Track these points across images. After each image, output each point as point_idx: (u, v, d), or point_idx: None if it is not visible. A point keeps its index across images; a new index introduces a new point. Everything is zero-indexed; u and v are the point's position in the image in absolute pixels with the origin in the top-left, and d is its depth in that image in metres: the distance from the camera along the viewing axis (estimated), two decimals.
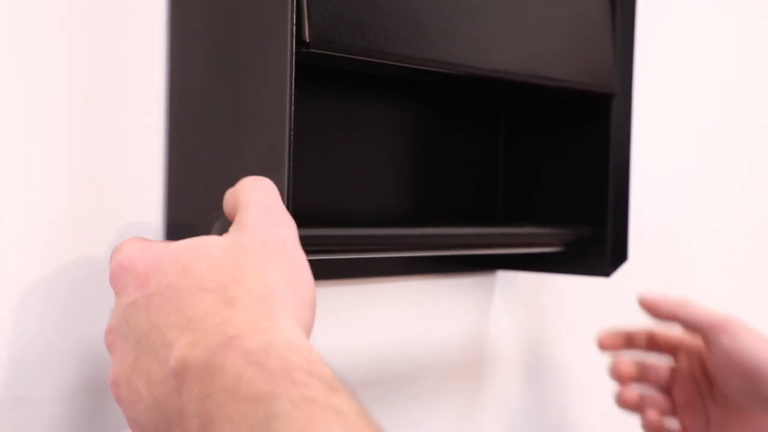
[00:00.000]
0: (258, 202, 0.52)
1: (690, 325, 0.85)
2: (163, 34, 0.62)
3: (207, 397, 0.45)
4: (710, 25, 1.15)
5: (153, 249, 0.51)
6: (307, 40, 0.57)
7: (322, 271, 0.53)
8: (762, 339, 0.84)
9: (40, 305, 0.57)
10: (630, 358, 0.88)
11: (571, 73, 0.76)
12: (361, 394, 0.45)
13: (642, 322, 0.88)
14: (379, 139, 0.76)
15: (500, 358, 0.90)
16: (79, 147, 0.59)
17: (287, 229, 0.52)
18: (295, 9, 0.56)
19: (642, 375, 0.89)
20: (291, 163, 0.56)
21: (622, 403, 0.87)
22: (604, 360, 0.91)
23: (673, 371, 0.89)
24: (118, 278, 0.51)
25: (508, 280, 0.90)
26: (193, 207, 0.61)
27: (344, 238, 0.65)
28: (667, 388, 0.89)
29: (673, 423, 0.89)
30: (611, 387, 0.95)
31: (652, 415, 0.88)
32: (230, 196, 0.54)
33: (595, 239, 0.81)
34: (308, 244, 0.53)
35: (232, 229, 0.52)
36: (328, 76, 0.71)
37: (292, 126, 0.56)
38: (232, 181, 0.55)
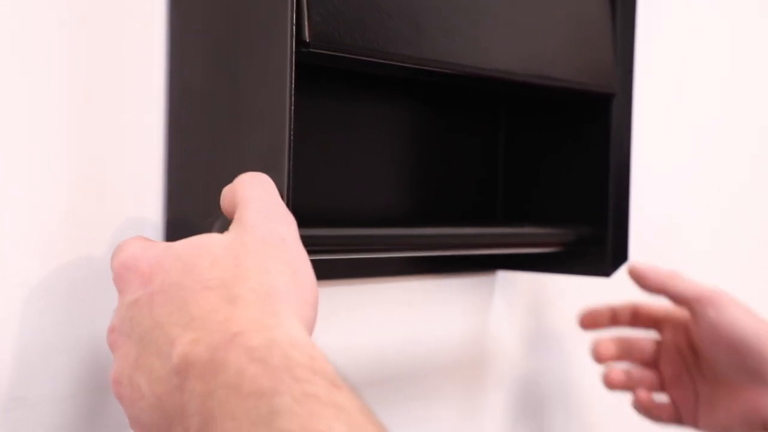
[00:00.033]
0: (257, 199, 0.52)
1: (677, 298, 0.84)
2: (163, 33, 0.62)
3: (209, 394, 0.45)
4: (710, 25, 1.15)
5: (156, 248, 0.51)
6: (307, 40, 0.57)
7: (322, 271, 0.53)
8: (749, 313, 0.84)
9: (40, 305, 0.57)
10: (611, 337, 0.88)
11: (571, 73, 0.76)
12: (361, 394, 0.45)
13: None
14: (379, 139, 0.76)
15: (500, 358, 0.90)
16: (79, 147, 0.58)
17: (287, 226, 0.52)
18: (295, 9, 0.56)
19: (626, 353, 0.88)
20: (291, 163, 0.56)
21: (609, 384, 0.87)
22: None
23: (659, 345, 0.88)
24: (122, 277, 0.51)
25: (508, 280, 0.90)
26: (193, 207, 0.61)
27: (344, 238, 0.65)
28: (653, 363, 0.89)
29: (662, 398, 0.89)
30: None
31: (643, 394, 0.88)
32: (228, 193, 0.54)
33: (595, 239, 0.81)
34: (308, 244, 0.53)
35: (232, 227, 0.52)
36: (328, 76, 0.71)
37: (292, 126, 0.56)
38: (231, 181, 0.55)
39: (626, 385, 0.87)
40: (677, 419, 0.88)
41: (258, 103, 0.57)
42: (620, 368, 0.87)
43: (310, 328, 0.50)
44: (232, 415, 0.43)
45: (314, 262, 0.52)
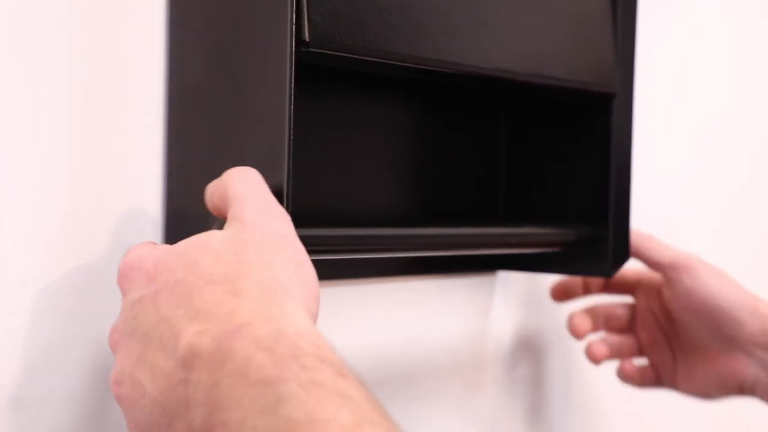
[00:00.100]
0: (252, 196, 0.53)
1: (651, 263, 0.84)
2: (163, 33, 0.62)
3: (215, 384, 0.45)
4: (711, 25, 1.15)
5: (161, 249, 0.51)
6: (307, 40, 0.57)
7: (322, 271, 0.53)
8: (723, 279, 0.84)
9: (40, 305, 0.57)
10: (585, 308, 0.87)
11: (572, 73, 0.76)
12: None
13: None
14: (379, 139, 0.76)
15: (500, 358, 0.90)
16: (79, 147, 0.58)
17: (286, 222, 0.52)
18: (294, 8, 0.56)
19: (603, 322, 0.88)
20: (291, 162, 0.56)
21: (593, 358, 0.86)
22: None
23: (634, 310, 0.88)
24: (126, 276, 0.51)
25: (508, 280, 0.90)
26: (193, 207, 0.61)
27: (344, 238, 0.65)
28: (630, 329, 0.88)
29: (642, 362, 0.89)
30: (612, 387, 0.95)
31: (626, 363, 0.87)
32: (216, 189, 0.54)
33: (596, 239, 0.81)
34: (308, 244, 0.53)
35: (228, 225, 0.52)
36: (328, 76, 0.71)
37: (292, 126, 0.56)
38: None
39: (609, 356, 0.87)
40: (658, 382, 0.88)
41: (258, 103, 0.57)
42: (600, 340, 0.87)
43: (314, 322, 0.50)
44: (239, 402, 0.43)
45: (314, 263, 0.52)
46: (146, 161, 0.62)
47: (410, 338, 0.81)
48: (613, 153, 0.80)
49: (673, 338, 0.87)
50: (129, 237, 0.61)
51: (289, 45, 0.55)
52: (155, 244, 0.53)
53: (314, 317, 0.50)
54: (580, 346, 0.95)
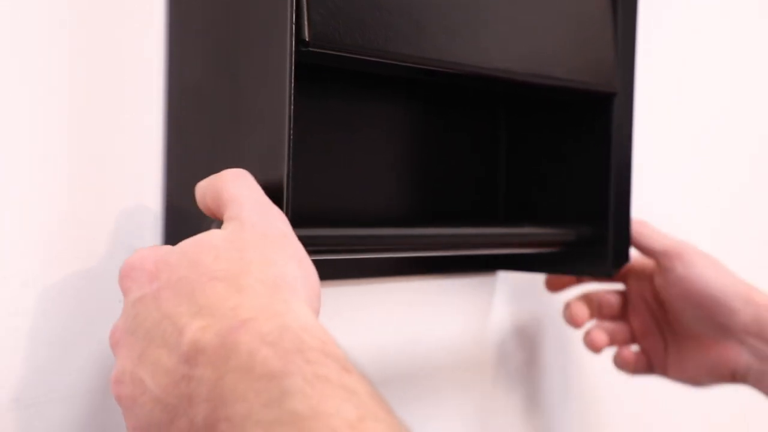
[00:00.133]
0: (248, 197, 0.53)
1: (644, 249, 0.84)
2: (163, 33, 0.62)
3: (219, 379, 0.45)
4: (711, 25, 1.15)
5: (162, 249, 0.52)
6: (307, 39, 0.57)
7: (322, 271, 0.53)
8: (717, 267, 0.83)
9: (40, 305, 0.57)
10: (579, 296, 0.87)
11: (572, 73, 0.76)
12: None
13: None
14: (379, 139, 0.76)
15: (501, 358, 0.90)
16: (79, 147, 0.58)
17: (284, 222, 0.53)
18: (294, 8, 0.56)
19: (596, 310, 0.87)
20: (290, 162, 0.56)
21: (594, 347, 0.86)
22: (606, 361, 0.91)
23: (625, 297, 0.88)
24: (128, 276, 0.51)
25: (508, 280, 0.90)
26: (193, 207, 0.61)
27: (344, 238, 0.65)
28: (622, 316, 0.88)
29: (635, 349, 0.89)
30: (612, 387, 0.95)
31: (626, 351, 0.87)
32: (209, 191, 0.54)
33: (596, 239, 0.81)
34: (308, 244, 0.53)
35: (227, 225, 0.52)
36: (328, 77, 0.71)
37: (292, 125, 0.56)
38: None
39: (608, 344, 0.87)
40: (649, 369, 0.88)
41: (258, 103, 0.57)
42: (599, 328, 0.87)
43: (316, 318, 0.50)
44: (244, 396, 0.43)
45: (315, 263, 0.52)
46: (146, 161, 0.62)
47: (410, 338, 0.81)
48: (614, 153, 0.80)
49: (665, 325, 0.87)
50: (129, 237, 0.61)
51: (289, 45, 0.55)
52: (158, 246, 0.53)
53: (316, 314, 0.50)
54: (580, 346, 0.95)
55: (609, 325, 0.87)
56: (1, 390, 0.55)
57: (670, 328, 0.87)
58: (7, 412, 0.55)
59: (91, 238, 0.59)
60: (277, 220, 0.52)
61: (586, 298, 0.87)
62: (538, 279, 0.92)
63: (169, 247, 0.52)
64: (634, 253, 0.86)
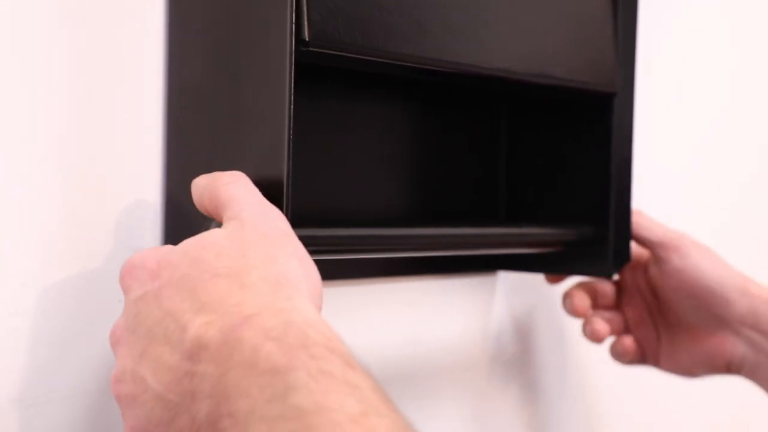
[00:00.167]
0: (247, 198, 0.53)
1: (640, 240, 0.83)
2: (162, 33, 0.62)
3: (223, 375, 0.45)
4: (711, 25, 1.15)
5: (164, 248, 0.52)
6: (307, 39, 0.57)
7: (322, 272, 0.53)
8: (713, 259, 0.83)
9: (39, 305, 0.57)
10: (576, 285, 0.86)
11: (572, 72, 0.76)
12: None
13: None
14: (379, 139, 0.76)
15: (501, 358, 0.90)
16: (79, 147, 0.58)
17: (284, 222, 0.53)
18: (294, 7, 0.56)
19: (592, 300, 0.87)
20: (290, 162, 0.56)
21: (596, 338, 0.85)
22: (606, 361, 0.91)
23: (620, 287, 0.88)
24: (129, 274, 0.51)
25: (509, 280, 0.90)
26: (193, 208, 0.61)
27: (344, 238, 0.65)
28: (617, 306, 0.88)
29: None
30: (612, 387, 0.95)
31: (627, 340, 0.86)
32: (206, 193, 0.54)
33: (596, 239, 0.81)
34: (308, 244, 0.53)
35: (227, 225, 0.52)
36: (328, 77, 0.71)
37: (292, 125, 0.56)
38: None
39: (610, 334, 0.87)
40: (641, 359, 0.88)
41: (257, 103, 0.57)
42: (599, 318, 0.86)
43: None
44: (247, 392, 0.43)
45: (314, 263, 0.52)
46: (146, 161, 0.62)
47: (410, 338, 0.81)
48: (614, 153, 0.80)
49: (658, 316, 0.87)
50: (129, 237, 0.61)
51: (289, 44, 0.55)
52: (159, 246, 0.53)
53: (319, 311, 0.50)
54: (579, 345, 0.95)
55: (606, 314, 0.87)
56: (1, 390, 0.55)
57: (663, 319, 0.87)
58: (7, 412, 0.55)
59: (91, 238, 0.59)
60: (277, 220, 0.52)
61: (584, 288, 0.86)
62: (539, 279, 0.92)
63: (170, 246, 0.52)
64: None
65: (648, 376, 0.95)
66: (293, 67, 0.55)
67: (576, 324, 0.92)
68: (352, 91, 0.74)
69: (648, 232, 0.83)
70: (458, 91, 0.81)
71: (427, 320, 0.83)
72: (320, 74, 0.68)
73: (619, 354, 0.87)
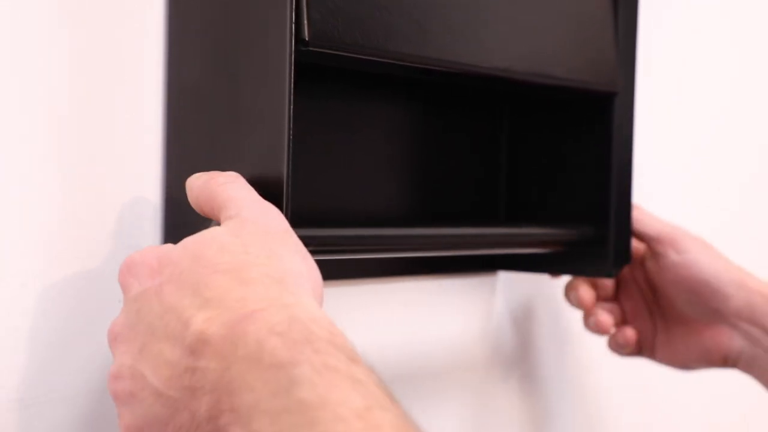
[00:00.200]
0: (246, 198, 0.53)
1: (637, 234, 0.84)
2: (162, 33, 0.62)
3: (226, 369, 0.45)
4: (711, 25, 1.15)
5: (164, 246, 0.51)
6: (307, 39, 0.57)
7: (322, 272, 0.53)
8: (710, 252, 0.83)
9: (39, 305, 0.57)
10: (581, 279, 0.86)
11: (573, 72, 0.76)
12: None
13: None
14: (380, 139, 0.76)
15: (501, 358, 0.90)
16: (79, 147, 0.58)
17: (283, 220, 0.53)
18: (294, 7, 0.56)
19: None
20: (290, 162, 0.56)
21: (602, 329, 0.85)
22: (606, 361, 0.91)
23: (617, 280, 0.88)
24: (129, 271, 0.51)
25: (509, 280, 0.90)
26: (193, 208, 0.61)
27: (344, 238, 0.65)
28: (614, 297, 0.88)
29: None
30: (612, 388, 0.95)
31: (629, 331, 0.86)
32: (202, 194, 0.54)
33: (597, 239, 0.81)
34: (308, 244, 0.53)
35: (227, 223, 0.52)
36: (329, 77, 0.70)
37: (291, 125, 0.55)
38: None
39: (614, 325, 0.87)
40: (637, 351, 0.88)
41: (257, 103, 0.57)
42: (603, 310, 0.86)
43: None
44: (251, 386, 0.43)
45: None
46: (146, 161, 0.62)
47: (410, 339, 0.81)
48: (614, 153, 0.80)
49: (655, 308, 0.87)
50: (129, 237, 0.61)
51: (289, 44, 0.55)
52: (159, 245, 0.53)
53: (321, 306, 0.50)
54: (581, 346, 0.95)
55: (605, 305, 0.87)
56: (1, 390, 0.55)
57: (660, 311, 0.87)
58: (7, 412, 0.55)
59: (91, 238, 0.59)
60: (276, 218, 0.52)
61: (586, 280, 0.86)
62: (539, 279, 0.92)
63: (170, 245, 0.52)
64: None
65: (648, 376, 0.95)
66: (293, 66, 0.55)
67: (576, 324, 0.92)
68: (353, 91, 0.74)
69: (644, 226, 0.83)
70: (458, 92, 0.81)
71: (427, 320, 0.83)
72: (321, 74, 0.68)
73: (620, 345, 0.87)
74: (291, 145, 0.55)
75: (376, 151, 0.76)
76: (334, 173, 0.73)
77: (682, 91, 1.11)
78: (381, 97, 0.76)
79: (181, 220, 0.62)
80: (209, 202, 0.54)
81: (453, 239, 0.73)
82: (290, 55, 0.55)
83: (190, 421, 0.45)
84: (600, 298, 0.87)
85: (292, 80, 0.55)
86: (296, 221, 0.54)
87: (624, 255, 0.80)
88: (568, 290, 0.85)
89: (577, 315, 0.91)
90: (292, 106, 0.55)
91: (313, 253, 0.53)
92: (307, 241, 0.53)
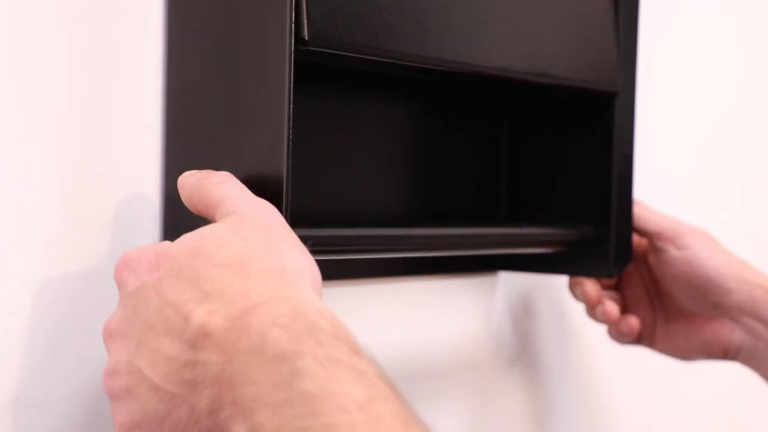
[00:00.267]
0: (241, 196, 0.53)
1: (638, 230, 0.84)
2: (162, 33, 0.62)
3: (228, 362, 0.44)
4: (711, 25, 1.15)
5: (162, 243, 0.51)
6: (306, 38, 0.57)
7: (322, 272, 0.53)
8: (711, 247, 0.83)
9: (39, 305, 0.57)
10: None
11: (574, 72, 0.76)
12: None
13: None
14: (380, 139, 0.76)
15: (502, 358, 0.90)
16: (79, 147, 0.58)
17: (280, 217, 0.53)
18: (293, 6, 0.55)
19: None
20: (290, 162, 0.56)
21: (610, 319, 0.85)
22: (606, 361, 0.91)
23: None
24: (126, 267, 0.50)
25: (510, 280, 0.89)
26: None
27: (345, 238, 0.65)
28: (616, 286, 0.88)
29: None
30: (613, 387, 0.95)
31: (633, 320, 0.86)
32: (195, 193, 0.54)
33: (598, 239, 0.81)
34: (308, 244, 0.53)
35: (224, 219, 0.52)
36: (328, 76, 0.70)
37: (291, 125, 0.55)
38: None
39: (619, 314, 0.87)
40: (637, 340, 0.88)
41: (257, 103, 0.57)
42: (609, 300, 0.86)
43: None
44: (253, 378, 0.43)
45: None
46: (146, 161, 0.62)
47: (411, 338, 0.81)
48: (615, 152, 0.80)
49: (657, 300, 0.87)
50: (128, 236, 0.61)
51: (288, 43, 0.55)
52: (156, 243, 0.53)
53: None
54: (581, 346, 0.95)
55: (608, 294, 0.87)
56: (1, 390, 0.55)
57: (661, 302, 0.87)
58: (7, 412, 0.55)
59: (91, 238, 0.59)
60: (273, 215, 0.52)
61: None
62: (539, 279, 0.92)
63: (168, 241, 0.51)
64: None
65: (649, 375, 0.95)
66: (293, 66, 0.55)
67: (576, 324, 0.92)
68: (353, 91, 0.74)
69: (646, 221, 0.83)
70: (458, 92, 0.81)
71: (428, 320, 0.83)
72: (320, 74, 0.68)
73: (621, 334, 0.87)
74: (291, 144, 0.55)
75: (375, 151, 0.76)
76: (333, 173, 0.73)
77: (682, 91, 1.11)
78: (381, 97, 0.76)
79: (181, 220, 0.62)
80: (203, 201, 0.54)
81: (453, 239, 0.73)
82: (290, 55, 0.55)
83: (189, 416, 0.45)
84: (602, 286, 0.87)
85: (292, 80, 0.55)
86: (296, 221, 0.54)
87: (625, 255, 0.80)
88: (573, 286, 0.85)
89: (577, 315, 0.91)
90: (291, 106, 0.55)
91: (313, 252, 0.52)
92: (306, 241, 0.53)
